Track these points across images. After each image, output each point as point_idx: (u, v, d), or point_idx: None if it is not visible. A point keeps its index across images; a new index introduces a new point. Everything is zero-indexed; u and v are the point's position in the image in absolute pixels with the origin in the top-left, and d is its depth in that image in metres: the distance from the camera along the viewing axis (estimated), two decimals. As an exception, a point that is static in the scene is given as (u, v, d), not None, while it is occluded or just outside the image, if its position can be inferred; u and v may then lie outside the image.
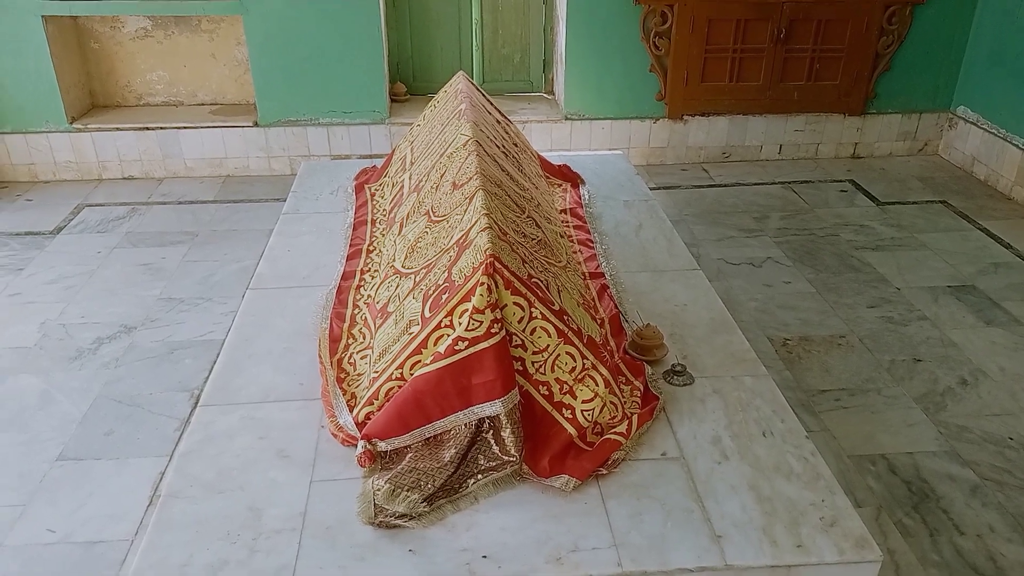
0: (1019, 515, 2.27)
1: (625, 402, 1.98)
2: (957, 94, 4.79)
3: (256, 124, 4.53)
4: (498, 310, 1.78)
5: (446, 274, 1.93)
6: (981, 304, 3.34)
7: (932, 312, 3.28)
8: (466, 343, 1.76)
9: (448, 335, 1.81)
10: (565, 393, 1.90)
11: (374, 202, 3.29)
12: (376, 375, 1.93)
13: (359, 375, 2.17)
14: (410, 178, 2.92)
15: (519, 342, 1.84)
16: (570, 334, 1.90)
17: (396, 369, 1.87)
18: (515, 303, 1.82)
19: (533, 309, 1.85)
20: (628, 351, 2.24)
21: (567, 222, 3.03)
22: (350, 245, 2.93)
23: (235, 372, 2.23)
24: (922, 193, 4.47)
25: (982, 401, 2.74)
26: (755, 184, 4.58)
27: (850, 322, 3.21)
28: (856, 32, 4.52)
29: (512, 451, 1.81)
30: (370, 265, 2.75)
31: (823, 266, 3.66)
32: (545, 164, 3.45)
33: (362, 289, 2.62)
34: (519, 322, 1.84)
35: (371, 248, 2.89)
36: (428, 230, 2.30)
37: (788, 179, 4.66)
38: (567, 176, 3.51)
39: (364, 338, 2.26)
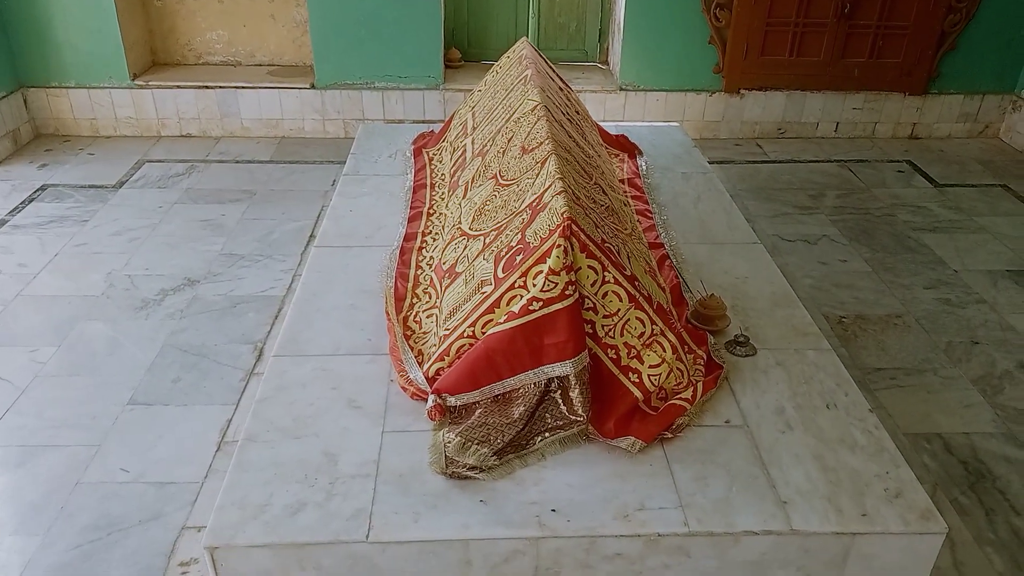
0: (1079, 500, 2.27)
1: (690, 369, 2.00)
2: (1023, 76, 4.67)
3: (312, 86, 4.57)
4: (572, 272, 1.80)
5: (519, 236, 1.96)
6: (1042, 290, 3.29)
7: (990, 296, 3.24)
8: (540, 304, 1.79)
9: (522, 295, 1.84)
10: (632, 357, 1.92)
11: (432, 166, 3.32)
12: (447, 333, 1.97)
13: (425, 333, 2.21)
14: (473, 143, 2.94)
15: (590, 305, 1.87)
16: (640, 299, 1.92)
17: (468, 327, 1.91)
18: (589, 266, 1.85)
19: (606, 273, 1.87)
20: (690, 320, 2.26)
21: (626, 192, 3.03)
22: (410, 208, 2.96)
23: (305, 325, 2.29)
24: (982, 176, 4.39)
25: (1041, 386, 2.72)
26: (810, 161, 4.53)
27: (906, 302, 3.19)
28: (923, 9, 4.41)
29: (580, 411, 1.84)
30: (431, 228, 2.79)
31: (879, 246, 3.62)
32: (603, 133, 3.45)
33: (424, 251, 2.66)
34: (592, 285, 1.86)
35: (431, 211, 2.92)
36: (496, 193, 2.32)
37: (844, 158, 4.59)
38: (625, 146, 3.51)
39: (430, 298, 2.30)
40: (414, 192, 3.11)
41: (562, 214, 1.84)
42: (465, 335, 1.91)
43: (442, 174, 3.19)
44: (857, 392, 2.10)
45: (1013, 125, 4.77)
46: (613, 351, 1.91)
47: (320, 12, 4.37)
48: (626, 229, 2.34)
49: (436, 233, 2.72)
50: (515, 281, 1.86)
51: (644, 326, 1.92)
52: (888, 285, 3.30)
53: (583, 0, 4.86)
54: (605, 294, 1.88)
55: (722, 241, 2.88)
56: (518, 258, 1.89)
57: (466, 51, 4.94)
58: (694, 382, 1.98)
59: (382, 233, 2.85)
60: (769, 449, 1.88)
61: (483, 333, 1.89)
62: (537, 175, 2.14)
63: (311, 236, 3.58)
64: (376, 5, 4.37)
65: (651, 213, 2.93)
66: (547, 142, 2.26)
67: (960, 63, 4.64)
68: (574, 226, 1.81)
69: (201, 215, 3.74)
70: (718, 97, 4.68)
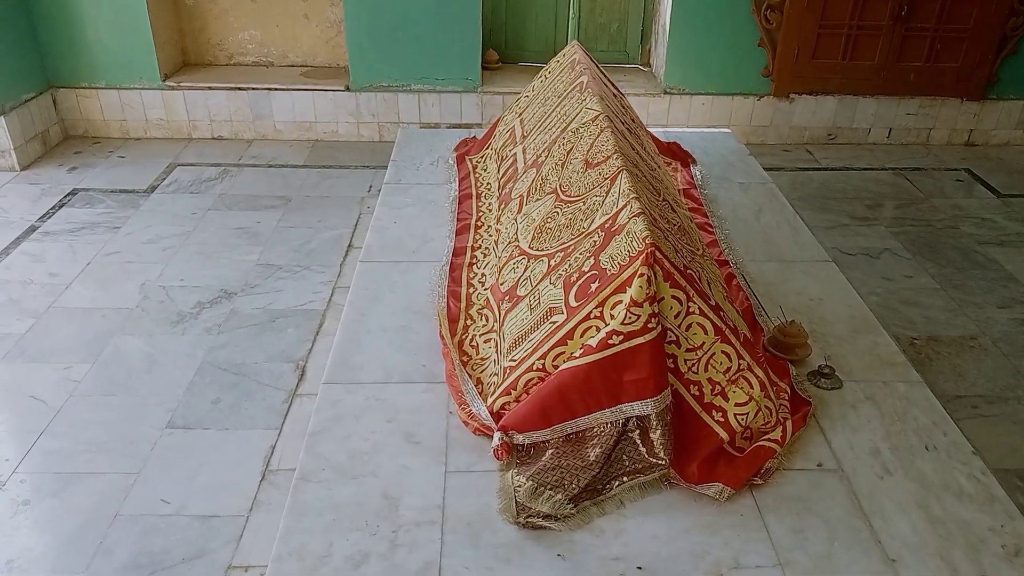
0: None
1: (777, 407, 1.84)
2: (1088, 80, 4.47)
3: (347, 88, 4.44)
4: (655, 303, 1.65)
5: (592, 260, 1.80)
6: (1123, 310, 3.10)
7: (1070, 316, 3.06)
8: (620, 337, 1.64)
9: (598, 327, 1.69)
10: (717, 394, 1.77)
11: (477, 174, 3.18)
12: (512, 364, 1.83)
13: (483, 359, 2.07)
14: (524, 152, 2.79)
15: (673, 338, 1.72)
16: (727, 332, 1.76)
17: (538, 360, 1.76)
18: (673, 296, 1.69)
19: (691, 303, 1.72)
20: (768, 348, 2.10)
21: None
22: (457, 220, 2.82)
23: (354, 348, 2.16)
24: (1046, 186, 4.19)
25: None
26: (864, 169, 4.35)
27: (980, 323, 3.01)
28: (984, 11, 4.21)
29: (661, 454, 1.69)
30: (480, 242, 2.65)
31: (945, 260, 3.44)
32: (656, 141, 3.29)
33: (475, 267, 2.51)
34: (675, 317, 1.71)
35: (479, 223, 2.78)
36: (558, 210, 2.17)
37: (898, 165, 4.40)
38: (677, 155, 3.35)
39: (486, 321, 2.16)
40: (460, 203, 2.97)
41: (643, 239, 1.69)
42: (534, 368, 1.76)
43: (488, 183, 3.05)
44: (957, 431, 1.93)
45: (1076, 132, 4.56)
46: (696, 388, 1.76)
47: (355, 12, 4.24)
48: (698, 249, 2.18)
49: (487, 248, 2.58)
50: (591, 311, 1.71)
51: (730, 361, 1.77)
52: (959, 304, 3.12)
53: (625, 1, 4.70)
54: (689, 326, 1.73)
55: (790, 259, 2.71)
56: (593, 286, 1.74)
57: (504, 53, 4.79)
58: (782, 420, 1.82)
59: (429, 247, 2.71)
60: (869, 497, 1.72)
61: (554, 367, 1.75)
62: (608, 193, 1.98)
63: (349, 245, 3.46)
64: (413, 5, 4.23)
65: (712, 227, 2.77)
66: (615, 156, 2.11)
67: (1020, 68, 4.44)
68: (657, 252, 1.66)
69: (236, 222, 3.61)
70: (767, 101, 4.50)
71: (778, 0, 4.19)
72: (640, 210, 1.80)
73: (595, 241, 1.86)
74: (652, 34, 4.76)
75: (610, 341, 1.64)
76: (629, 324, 1.63)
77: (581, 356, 1.67)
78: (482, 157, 3.29)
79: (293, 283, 3.16)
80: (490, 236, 2.65)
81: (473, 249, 2.62)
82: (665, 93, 4.46)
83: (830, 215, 3.81)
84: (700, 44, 4.35)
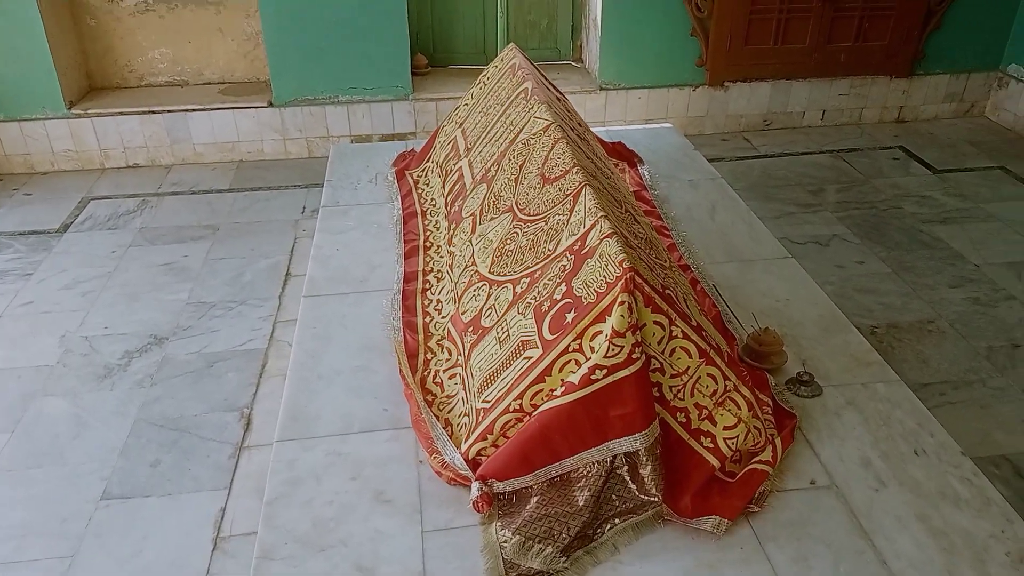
0: None
1: (764, 424, 1.75)
2: (1007, 52, 4.56)
3: (271, 104, 4.21)
4: (638, 331, 1.54)
5: (564, 287, 1.68)
6: (1068, 280, 3.15)
7: (1018, 290, 3.08)
8: (604, 371, 1.52)
9: (578, 361, 1.57)
10: (704, 419, 1.67)
11: (419, 190, 3.02)
12: (486, 406, 1.69)
13: (449, 397, 1.93)
14: (470, 166, 2.65)
15: (657, 365, 1.61)
16: (711, 352, 1.66)
17: (514, 400, 1.63)
18: (655, 322, 1.58)
19: (673, 327, 1.61)
20: (744, 359, 2.01)
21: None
22: (404, 241, 2.67)
23: (307, 397, 1.98)
24: (977, 159, 4.26)
25: (1096, 390, 2.56)
26: (803, 154, 4.34)
27: (935, 305, 3.01)
28: (908, -11, 4.26)
29: (653, 490, 1.59)
30: (432, 264, 2.50)
31: (892, 243, 3.44)
32: (601, 143, 3.19)
33: (428, 293, 2.37)
34: (658, 343, 1.60)
35: (428, 244, 2.63)
36: (518, 230, 2.04)
37: (835, 147, 4.42)
38: (623, 155, 3.26)
39: (450, 354, 2.02)
40: (405, 222, 2.81)
41: (620, 263, 1.57)
42: (511, 409, 1.63)
43: (432, 199, 2.90)
44: (942, 431, 1.89)
45: (1000, 103, 4.65)
46: (683, 415, 1.66)
47: (275, 23, 4.01)
48: (665, 261, 2.08)
49: (440, 271, 2.43)
50: (568, 345, 1.58)
51: (716, 383, 1.67)
52: (912, 287, 3.12)
53: (553, -4, 4.59)
54: (673, 351, 1.63)
55: (750, 258, 2.64)
56: (568, 316, 1.61)
57: (433, 57, 4.62)
58: (771, 439, 1.74)
59: (378, 274, 2.55)
60: (866, 513, 1.65)
61: (532, 406, 1.62)
62: (572, 211, 1.86)
63: (287, 274, 3.26)
64: (335, 12, 4.02)
65: (668, 230, 2.68)
66: (574, 170, 1.99)
67: (945, 42, 4.51)
68: (636, 277, 1.55)
69: (160, 258, 3.37)
70: (702, 91, 4.45)
71: (708, -12, 4.15)
72: (611, 230, 1.68)
73: (564, 265, 1.74)
74: (583, 29, 4.66)
75: (593, 376, 1.53)
76: (612, 357, 1.52)
77: (563, 394, 1.55)
78: (423, 171, 3.14)
79: (229, 321, 2.94)
80: (441, 258, 2.50)
81: (425, 273, 2.47)
82: (601, 89, 4.37)
83: (775, 204, 3.78)
84: (633, 38, 4.27)
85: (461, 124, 3.02)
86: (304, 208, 3.82)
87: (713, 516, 1.58)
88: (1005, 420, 2.44)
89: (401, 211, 2.89)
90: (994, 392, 2.56)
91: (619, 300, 1.52)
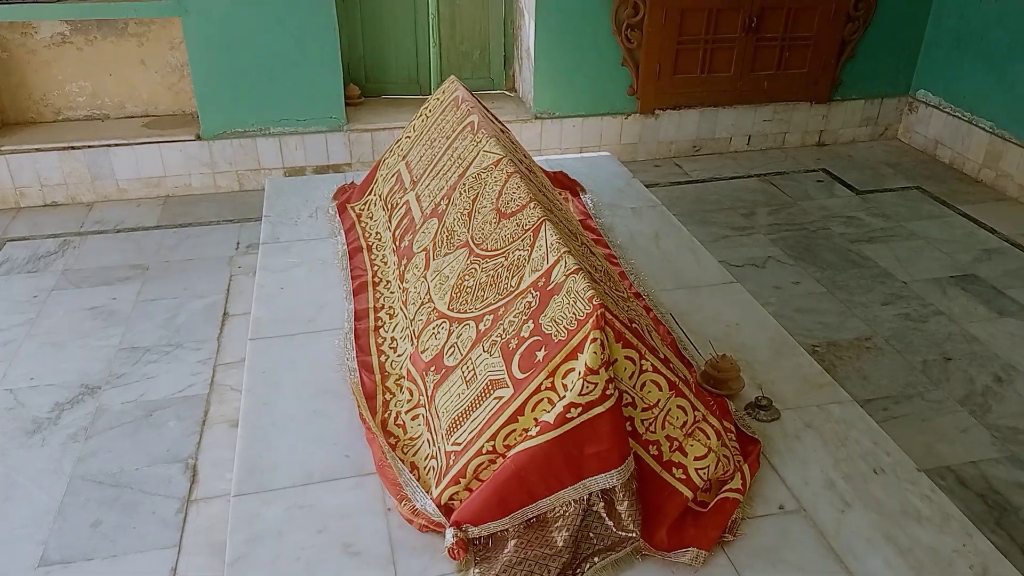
0: (1098, 522, 2.21)
1: (732, 452, 1.77)
2: (916, 78, 4.82)
3: (198, 137, 4.08)
4: (610, 367, 1.54)
5: (531, 324, 1.66)
6: (987, 294, 3.31)
7: (945, 306, 3.23)
8: (579, 409, 1.51)
9: (551, 400, 1.56)
10: (675, 451, 1.68)
11: (362, 224, 2.97)
12: (457, 449, 1.65)
13: (412, 439, 1.88)
14: (418, 200, 2.62)
15: (629, 400, 1.61)
16: (680, 384, 1.67)
17: (487, 442, 1.60)
18: (626, 357, 1.58)
19: (643, 361, 1.61)
20: (702, 386, 2.04)
21: (586, 237, 2.80)
22: (352, 278, 2.61)
23: (263, 447, 1.90)
24: (895, 179, 4.47)
25: (1022, 399, 2.69)
26: (732, 178, 4.47)
27: (870, 322, 3.12)
28: (824, 19, 4.46)
29: (630, 526, 1.58)
30: (382, 301, 2.45)
31: (825, 263, 3.57)
32: (546, 174, 3.20)
33: (381, 331, 2.32)
34: (629, 378, 1.60)
35: (376, 280, 2.58)
36: (476, 266, 2.02)
37: (762, 171, 4.57)
38: (565, 184, 3.28)
39: (411, 394, 1.97)
40: (350, 257, 2.76)
41: (589, 299, 1.57)
42: (484, 451, 1.60)
43: (377, 233, 2.85)
44: (897, 449, 1.94)
45: (911, 126, 4.91)
46: (655, 447, 1.66)
47: (201, 55, 3.90)
48: (623, 293, 2.10)
49: (392, 308, 2.39)
50: (541, 383, 1.57)
51: (686, 414, 1.68)
52: (847, 305, 3.23)
53: (485, 25, 4.62)
54: (644, 384, 1.63)
55: (697, 284, 2.69)
56: (539, 354, 1.60)
57: (365, 87, 4.57)
58: (739, 466, 1.76)
59: (326, 313, 2.48)
60: (835, 536, 1.68)
61: (506, 447, 1.59)
62: (533, 246, 1.85)
63: (225, 314, 3.14)
64: (265, 43, 3.94)
65: (616, 259, 2.71)
66: (532, 205, 1.98)
67: (860, 70, 4.73)
68: (607, 313, 1.55)
69: (87, 301, 3.20)
70: (634, 119, 4.54)
71: (637, 19, 4.24)
72: (576, 266, 1.68)
73: (529, 302, 1.73)
74: (515, 59, 4.70)
75: (568, 415, 1.51)
76: (587, 394, 1.50)
77: (539, 434, 1.53)
78: (365, 204, 3.09)
79: (166, 366, 2.81)
80: (392, 294, 2.46)
81: (376, 310, 2.42)
82: (536, 118, 4.41)
83: (711, 228, 3.87)
84: (566, 68, 4.33)
85: (404, 157, 2.98)
86: (238, 244, 3.70)
87: (690, 548, 1.58)
88: (945, 432, 2.54)
89: (346, 246, 2.84)
90: (932, 405, 2.67)
91: (591, 337, 1.51)
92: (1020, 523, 2.21)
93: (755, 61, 4.51)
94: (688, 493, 1.65)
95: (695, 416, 1.69)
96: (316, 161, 4.27)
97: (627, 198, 3.34)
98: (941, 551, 1.65)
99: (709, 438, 1.69)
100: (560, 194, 3.18)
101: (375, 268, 2.66)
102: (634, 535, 1.57)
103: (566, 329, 1.57)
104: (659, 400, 1.64)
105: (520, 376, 1.61)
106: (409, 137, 3.08)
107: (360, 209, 3.09)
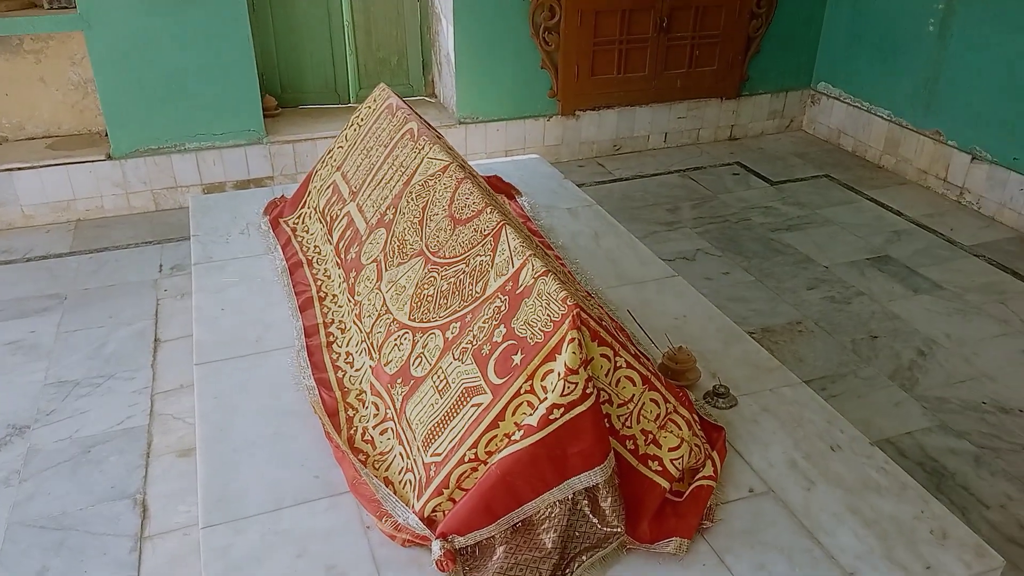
0: None
1: (702, 441, 1.82)
2: (817, 71, 5.07)
3: (109, 157, 3.89)
4: (588, 366, 1.55)
5: (504, 329, 1.67)
6: (901, 273, 3.52)
7: (865, 286, 3.41)
8: (562, 410, 1.52)
9: (532, 403, 1.56)
10: (650, 443, 1.71)
11: (298, 238, 2.90)
12: (437, 460, 1.64)
13: (383, 454, 1.85)
14: (360, 210, 2.57)
15: (606, 397, 1.63)
16: (652, 378, 1.71)
17: (468, 450, 1.59)
18: (602, 355, 1.61)
19: (618, 358, 1.64)
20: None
21: (529, 240, 2.81)
22: (295, 294, 2.54)
23: (228, 475, 1.84)
24: (805, 169, 4.69)
25: (944, 370, 2.87)
26: (654, 175, 4.59)
27: (799, 307, 3.26)
28: (730, 17, 4.63)
29: (615, 522, 1.60)
30: (332, 316, 2.40)
31: (750, 252, 3.71)
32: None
33: (334, 346, 2.27)
34: (605, 375, 1.62)
35: (322, 295, 2.53)
36: (435, 274, 2.00)
37: (681, 167, 4.71)
38: (501, 188, 3.30)
39: (377, 408, 1.94)
40: (291, 273, 2.69)
41: (563, 300, 1.58)
42: (466, 460, 1.59)
43: (316, 246, 2.79)
44: (849, 426, 2.04)
45: (814, 117, 5.16)
46: (631, 442, 1.69)
47: (108, 70, 3.72)
48: (583, 292, 2.12)
49: (343, 322, 2.34)
50: (520, 387, 1.57)
51: (659, 407, 1.72)
52: (776, 292, 3.37)
53: (401, 32, 4.58)
54: (619, 381, 1.65)
55: (640, 279, 2.75)
56: (515, 358, 1.60)
57: (281, 97, 4.46)
58: (708, 453, 1.81)
59: (274, 332, 2.41)
60: (805, 513, 1.75)
61: (487, 453, 1.59)
62: (495, 251, 1.85)
63: (156, 340, 3.00)
64: (176, 55, 3.79)
65: (561, 260, 2.73)
66: (489, 210, 1.98)
67: (765, 65, 4.94)
68: (582, 313, 1.56)
69: (3, 336, 3.00)
70: (555, 121, 4.60)
71: (554, 22, 4.30)
72: (544, 268, 1.69)
73: (499, 307, 1.73)
74: (434, 64, 4.68)
75: (551, 416, 1.52)
76: (568, 394, 1.52)
77: (523, 438, 1.53)
78: (299, 218, 3.02)
79: (99, 399, 2.67)
80: (341, 307, 2.41)
81: (326, 325, 2.37)
82: (460, 123, 4.40)
83: (640, 224, 3.96)
84: (486, 72, 4.34)
85: (339, 167, 2.93)
86: (161, 266, 3.55)
87: (673, 538, 1.62)
88: (881, 406, 2.68)
89: (285, 261, 2.76)
90: (865, 382, 2.81)
91: (569, 337, 1.53)
92: (957, 487, 2.35)
93: (668, 60, 4.65)
94: (665, 484, 1.69)
95: (667, 408, 1.73)
96: (236, 176, 4.14)
97: (562, 199, 3.38)
98: (902, 519, 1.74)
99: (681, 429, 1.74)
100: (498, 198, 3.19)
101: (319, 282, 2.60)
102: (619, 530, 1.60)
103: (541, 331, 1.58)
104: (633, 395, 1.67)
105: (498, 381, 1.61)
106: (342, 147, 3.02)
107: (294, 223, 3.02)
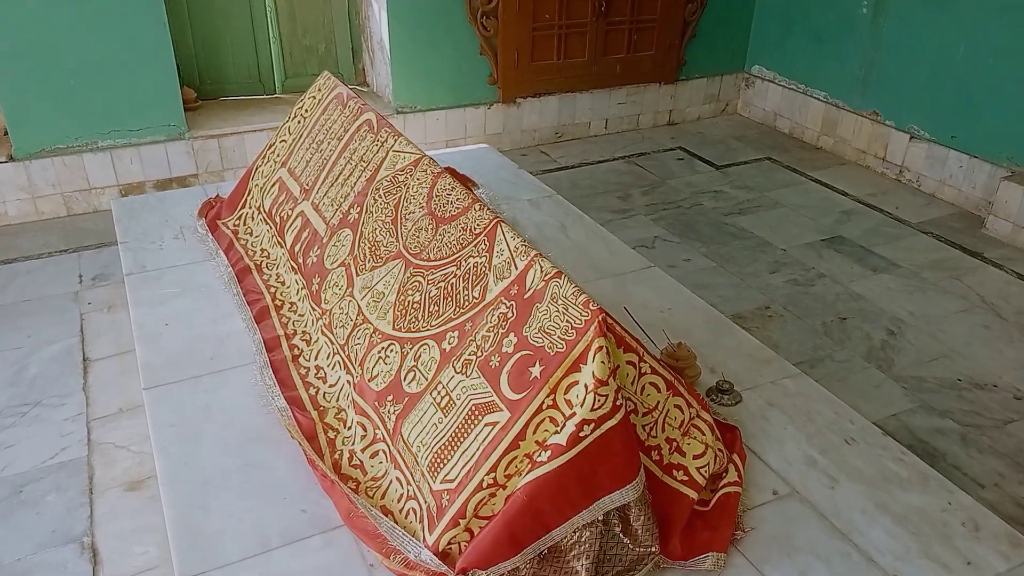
0: (1012, 453, 2.39)
1: (723, 444, 1.71)
2: (750, 55, 5.07)
3: (11, 158, 3.49)
4: (615, 375, 1.41)
5: (514, 338, 1.50)
6: (857, 253, 3.53)
7: (825, 268, 3.40)
8: (592, 426, 1.38)
9: (555, 419, 1.41)
10: (674, 451, 1.59)
11: (241, 241, 2.66)
12: (450, 486, 1.46)
13: (375, 479, 1.67)
14: (316, 209, 2.35)
15: (631, 407, 1.49)
16: (675, 383, 1.58)
17: (487, 475, 1.42)
18: (628, 362, 1.47)
19: (643, 364, 1.51)
20: (663, 377, 1.96)
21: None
22: (248, 304, 2.31)
23: (198, 513, 1.62)
24: (746, 152, 4.67)
25: (916, 349, 2.87)
26: (599, 162, 4.49)
27: (764, 291, 3.22)
28: (666, 1, 4.56)
29: (648, 541, 1.47)
30: (294, 326, 2.19)
31: (707, 238, 3.65)
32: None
33: (301, 360, 2.06)
34: (632, 383, 1.49)
35: (278, 303, 2.30)
36: (420, 278, 1.82)
37: (625, 153, 4.62)
38: (456, 180, 3.10)
39: (365, 429, 1.75)
40: (239, 281, 2.45)
41: (584, 304, 1.43)
42: (484, 486, 1.43)
43: (263, 250, 2.56)
44: (858, 416, 1.98)
45: (749, 100, 5.17)
46: (656, 452, 1.56)
47: (8, 63, 3.32)
48: (576, 290, 1.98)
49: (306, 332, 2.13)
50: (542, 402, 1.41)
51: (683, 412, 1.60)
52: (739, 277, 3.32)
53: (328, 17, 4.31)
54: (643, 388, 1.53)
55: (618, 272, 2.63)
56: (533, 370, 1.44)
57: (200, 89, 4.13)
58: (729, 457, 1.70)
59: (229, 347, 2.17)
60: (834, 513, 1.66)
61: (506, 476, 1.43)
62: (491, 251, 1.69)
63: (85, 359, 2.69)
64: (85, 43, 3.43)
65: (531, 254, 2.58)
66: (477, 207, 1.81)
67: (700, 49, 4.90)
68: (608, 318, 1.42)
69: (-99, 365, 2.63)
70: (496, 108, 4.43)
71: (491, 6, 4.13)
72: (555, 269, 1.54)
73: (504, 313, 1.56)
74: (365, 52, 4.43)
75: (581, 433, 1.37)
76: (598, 408, 1.37)
77: (550, 459, 1.38)
78: (240, 219, 2.77)
79: (26, 430, 2.36)
80: (303, 316, 2.20)
81: (288, 337, 2.15)
82: (398, 113, 4.18)
83: (594, 213, 3.83)
84: (423, 59, 4.13)
85: (284, 163, 2.69)
86: (81, 277, 3.21)
87: (709, 553, 1.50)
88: (861, 390, 2.65)
89: (231, 267, 2.52)
90: (842, 365, 2.78)
91: (596, 346, 1.38)
92: (950, 468, 2.33)
93: (607, 45, 4.54)
94: (692, 495, 1.57)
95: (690, 413, 1.61)
96: (156, 175, 3.80)
97: (520, 190, 3.23)
98: (931, 512, 1.68)
99: (704, 434, 1.62)
100: (452, 191, 3.01)
101: (272, 289, 2.37)
102: (654, 550, 1.47)
103: (562, 340, 1.43)
104: (658, 402, 1.55)
105: (514, 397, 1.45)
106: (285, 141, 2.78)
107: (235, 225, 2.76)
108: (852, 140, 4.48)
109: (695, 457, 1.60)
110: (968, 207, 3.91)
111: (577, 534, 1.43)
